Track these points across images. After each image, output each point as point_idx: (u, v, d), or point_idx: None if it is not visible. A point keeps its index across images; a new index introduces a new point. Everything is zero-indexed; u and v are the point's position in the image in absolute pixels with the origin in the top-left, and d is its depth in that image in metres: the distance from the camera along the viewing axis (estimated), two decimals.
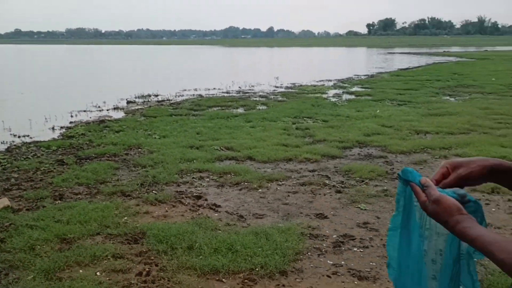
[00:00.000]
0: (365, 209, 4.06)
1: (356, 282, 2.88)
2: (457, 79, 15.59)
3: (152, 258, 3.16)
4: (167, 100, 12.05)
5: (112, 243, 3.38)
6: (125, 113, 9.90)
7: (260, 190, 4.63)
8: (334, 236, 3.53)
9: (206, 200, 4.36)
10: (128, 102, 11.63)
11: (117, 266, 3.02)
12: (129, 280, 2.88)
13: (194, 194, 4.52)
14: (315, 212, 4.01)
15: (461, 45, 68.63)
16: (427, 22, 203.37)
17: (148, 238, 3.42)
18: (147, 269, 3.01)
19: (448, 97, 11.47)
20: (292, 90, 13.68)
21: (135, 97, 12.33)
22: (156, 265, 3.06)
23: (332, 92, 13.08)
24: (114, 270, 2.99)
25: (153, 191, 4.57)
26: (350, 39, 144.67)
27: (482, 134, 6.94)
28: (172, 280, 2.87)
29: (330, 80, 16.63)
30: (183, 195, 4.47)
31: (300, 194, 4.50)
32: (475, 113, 8.70)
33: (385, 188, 4.59)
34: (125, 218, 3.86)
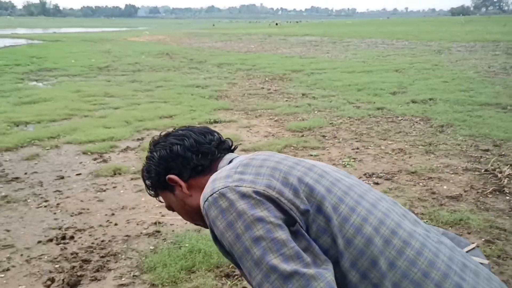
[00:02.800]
0: None
1: None
2: (37, 63, 15.12)
3: None
4: None
5: None
6: None
7: None
8: None
9: None
10: None
11: None
12: None
13: None
14: None
15: (28, 27, 66.89)
16: None
17: None
18: None
19: (35, 83, 10.99)
20: None
21: None
22: None
23: None
24: None
25: None
26: None
27: (84, 117, 7.02)
28: None
29: None
30: None
31: None
32: (69, 96, 8.69)
33: (3, 194, 4.02)
34: None
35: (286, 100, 8.22)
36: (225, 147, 1.38)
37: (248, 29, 42.98)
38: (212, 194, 1.07)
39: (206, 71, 13.05)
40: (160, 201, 1.49)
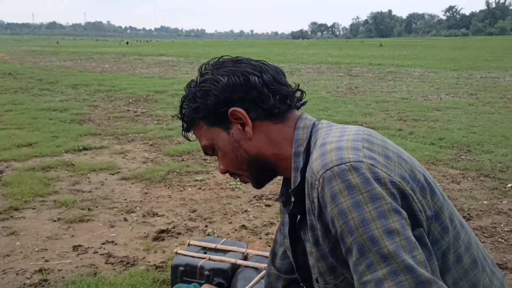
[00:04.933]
0: None
1: None
2: None
3: None
4: None
5: None
6: None
7: None
8: None
9: None
10: None
11: None
12: None
13: None
14: None
15: None
16: None
17: None
18: None
19: None
20: None
21: None
22: None
23: None
24: None
25: None
26: None
27: None
28: None
29: None
30: None
31: None
32: None
33: None
34: None
35: (157, 123, 7.98)
36: (298, 97, 1.20)
37: (98, 48, 41.13)
38: (340, 165, 0.88)
39: (60, 92, 12.09)
40: (186, 138, 1.24)
